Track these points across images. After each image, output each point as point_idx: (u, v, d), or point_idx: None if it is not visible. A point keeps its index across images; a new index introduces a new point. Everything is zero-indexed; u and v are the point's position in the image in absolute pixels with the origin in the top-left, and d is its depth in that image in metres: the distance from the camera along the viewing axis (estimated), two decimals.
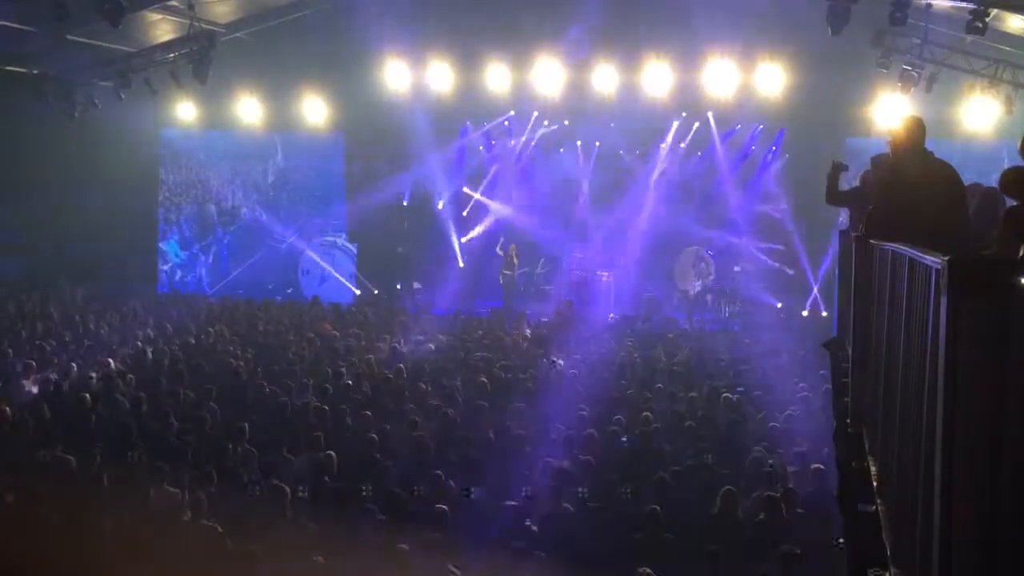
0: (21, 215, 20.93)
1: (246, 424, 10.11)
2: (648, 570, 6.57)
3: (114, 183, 21.99)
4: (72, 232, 21.38)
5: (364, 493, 8.53)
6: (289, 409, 11.01)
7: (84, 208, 21.50)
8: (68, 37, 17.76)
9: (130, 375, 12.61)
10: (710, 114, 21.51)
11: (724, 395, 11.92)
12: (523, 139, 23.42)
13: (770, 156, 22.15)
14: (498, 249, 21.97)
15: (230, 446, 9.58)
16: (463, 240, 23.70)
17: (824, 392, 11.01)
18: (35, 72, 19.54)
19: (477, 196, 23.80)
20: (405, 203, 23.47)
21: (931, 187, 5.65)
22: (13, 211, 20.87)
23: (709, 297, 21.39)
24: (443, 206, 23.78)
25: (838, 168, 8.33)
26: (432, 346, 15.44)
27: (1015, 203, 3.52)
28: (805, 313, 20.52)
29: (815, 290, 20.64)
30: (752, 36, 18.90)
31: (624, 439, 10.21)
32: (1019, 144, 3.75)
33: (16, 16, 16.84)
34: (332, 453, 9.35)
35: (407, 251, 23.31)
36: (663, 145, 22.75)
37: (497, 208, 23.51)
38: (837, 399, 6.98)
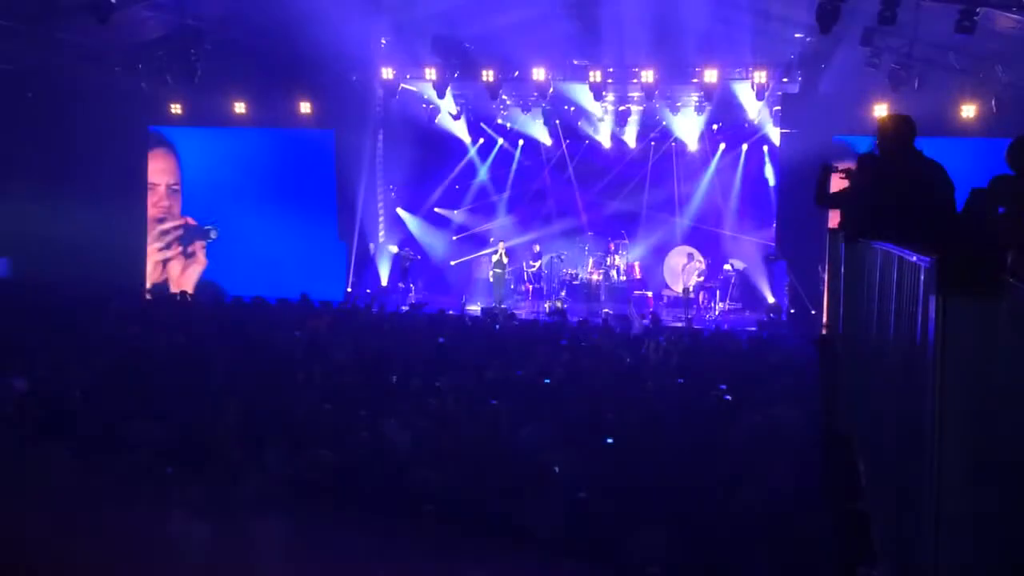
0: (6, 213, 20.79)
1: (236, 422, 10.08)
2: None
3: (101, 181, 21.86)
4: (58, 229, 21.25)
5: (355, 491, 8.51)
6: (278, 407, 10.97)
7: (70, 206, 21.37)
8: (56, 34, 17.66)
9: (117, 372, 12.54)
10: (696, 109, 21.54)
11: (714, 393, 11.93)
12: (510, 137, 23.45)
13: (759, 154, 22.19)
14: (491, 251, 21.97)
15: (219, 444, 9.54)
16: (453, 239, 23.68)
17: (813, 390, 11.03)
18: (22, 69, 19.42)
19: (466, 195, 23.82)
20: (398, 209, 23.46)
21: (920, 185, 5.66)
22: None
23: (700, 295, 21.42)
24: (433, 205, 23.78)
25: (828, 171, 8.30)
26: (422, 345, 15.40)
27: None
28: (794, 311, 20.57)
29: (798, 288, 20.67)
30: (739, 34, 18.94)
31: (613, 439, 10.20)
32: (1007, 151, 3.79)
33: (2, 12, 16.73)
34: (324, 451, 9.33)
35: (398, 250, 23.28)
36: (652, 143, 22.82)
37: (485, 207, 23.52)
38: (826, 397, 7.01)
